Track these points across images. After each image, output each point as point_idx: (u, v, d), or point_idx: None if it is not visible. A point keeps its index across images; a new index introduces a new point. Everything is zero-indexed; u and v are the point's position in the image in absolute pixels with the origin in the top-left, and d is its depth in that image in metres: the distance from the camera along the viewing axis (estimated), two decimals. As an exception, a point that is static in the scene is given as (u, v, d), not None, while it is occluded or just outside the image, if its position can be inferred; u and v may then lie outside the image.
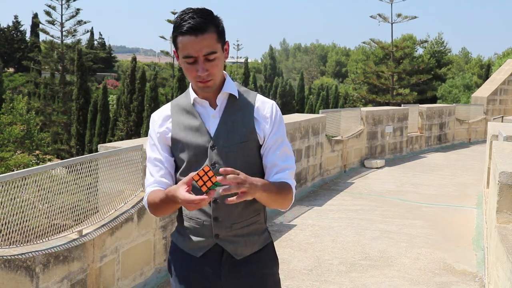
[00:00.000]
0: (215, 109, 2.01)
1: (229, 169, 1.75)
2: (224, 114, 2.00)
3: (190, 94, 2.03)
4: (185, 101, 2.05)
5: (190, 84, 2.03)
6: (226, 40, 1.97)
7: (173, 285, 2.12)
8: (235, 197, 1.74)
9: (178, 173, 2.02)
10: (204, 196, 1.72)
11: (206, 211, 1.99)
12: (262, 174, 2.02)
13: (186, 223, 2.05)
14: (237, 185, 1.73)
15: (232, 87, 2.03)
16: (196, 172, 1.74)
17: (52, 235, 3.58)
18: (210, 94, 2.00)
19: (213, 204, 1.98)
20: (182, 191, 1.77)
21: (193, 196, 1.74)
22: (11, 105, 22.05)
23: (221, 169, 1.74)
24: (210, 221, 1.99)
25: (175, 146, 2.02)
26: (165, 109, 2.09)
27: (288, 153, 2.05)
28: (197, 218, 2.01)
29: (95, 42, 61.36)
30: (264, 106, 2.04)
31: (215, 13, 1.93)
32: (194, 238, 2.03)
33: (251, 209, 2.03)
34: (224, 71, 2.03)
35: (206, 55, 1.88)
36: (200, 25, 1.85)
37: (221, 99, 2.02)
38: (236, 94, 2.03)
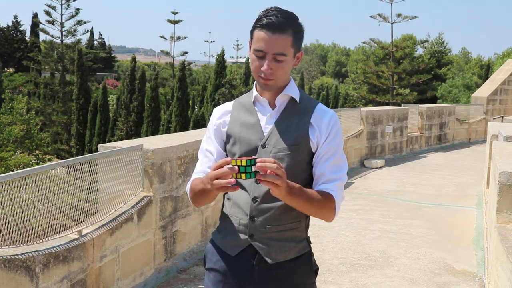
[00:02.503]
0: (273, 109, 2.03)
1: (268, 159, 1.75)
2: (281, 116, 2.02)
3: (253, 92, 2.07)
4: (246, 99, 2.10)
5: (255, 82, 2.07)
6: (301, 50, 2.00)
7: (205, 280, 2.15)
8: (267, 177, 1.72)
9: None
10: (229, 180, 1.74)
11: (244, 210, 2.00)
12: (310, 184, 2.02)
13: (225, 221, 2.08)
14: (273, 169, 1.72)
15: (294, 91, 2.04)
16: (233, 158, 1.76)
17: (52, 235, 3.57)
18: (271, 94, 2.03)
19: (252, 202, 1.99)
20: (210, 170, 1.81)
21: (216, 172, 1.76)
22: (10, 105, 22.04)
23: (258, 160, 1.74)
24: (247, 220, 2.00)
25: (229, 141, 2.06)
26: (227, 105, 2.14)
27: (339, 164, 2.03)
28: (235, 216, 2.03)
29: (95, 42, 61.33)
30: (323, 114, 2.03)
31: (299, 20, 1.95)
32: (231, 236, 2.05)
33: (291, 215, 2.01)
34: (290, 76, 2.05)
35: (276, 54, 1.90)
36: (280, 24, 1.88)
37: (281, 101, 2.04)
38: (297, 98, 2.04)
